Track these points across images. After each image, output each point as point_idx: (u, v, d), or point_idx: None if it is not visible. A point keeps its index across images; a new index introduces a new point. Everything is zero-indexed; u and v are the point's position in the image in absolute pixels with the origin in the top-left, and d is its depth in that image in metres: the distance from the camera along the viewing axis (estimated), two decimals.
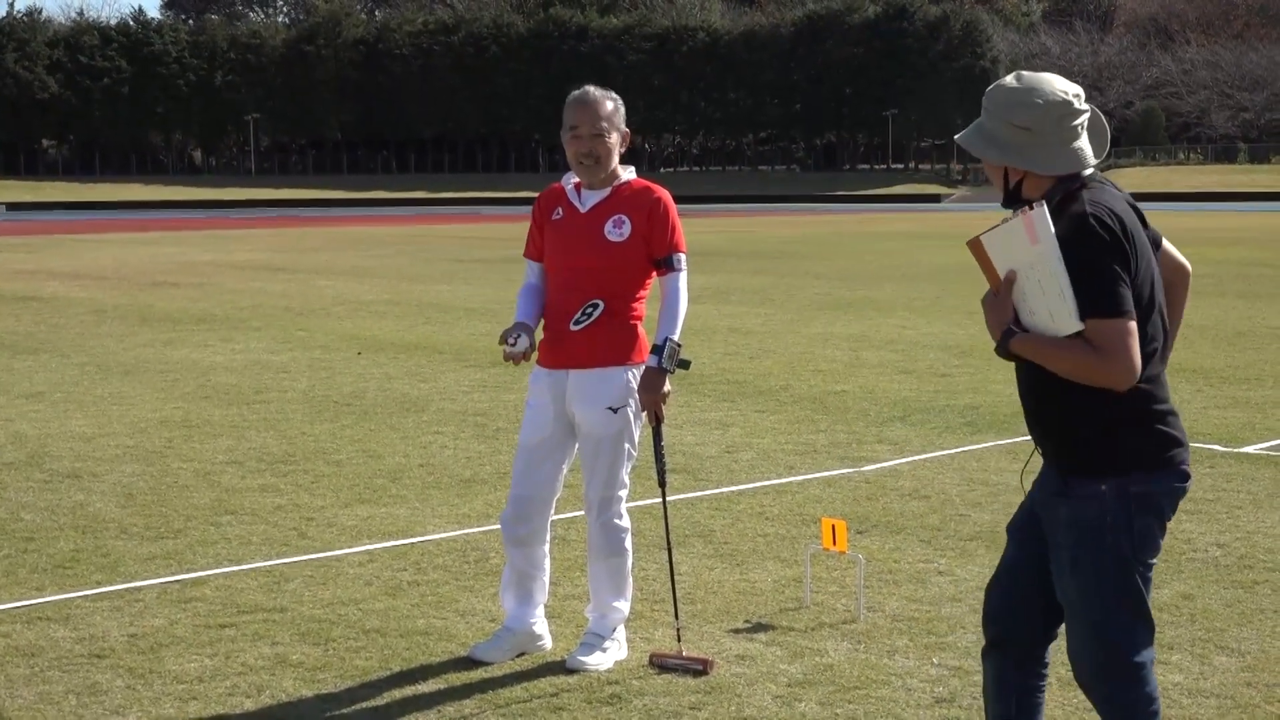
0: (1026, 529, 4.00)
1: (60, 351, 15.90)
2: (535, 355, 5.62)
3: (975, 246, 3.75)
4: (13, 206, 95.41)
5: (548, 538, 5.72)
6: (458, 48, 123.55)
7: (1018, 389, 3.98)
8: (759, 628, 5.99)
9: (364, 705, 5.22)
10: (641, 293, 5.58)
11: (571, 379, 5.53)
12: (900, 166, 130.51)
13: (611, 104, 5.53)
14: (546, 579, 5.77)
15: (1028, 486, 4.04)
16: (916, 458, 9.52)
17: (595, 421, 5.52)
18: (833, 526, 6.18)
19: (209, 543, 7.49)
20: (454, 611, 6.26)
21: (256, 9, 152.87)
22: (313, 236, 49.56)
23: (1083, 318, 3.59)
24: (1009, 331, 3.71)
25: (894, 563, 6.95)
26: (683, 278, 5.57)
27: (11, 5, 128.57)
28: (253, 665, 5.61)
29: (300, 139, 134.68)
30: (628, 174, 5.64)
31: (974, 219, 64.64)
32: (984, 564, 6.85)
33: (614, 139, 5.51)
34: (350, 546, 7.40)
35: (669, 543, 5.86)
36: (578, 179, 5.62)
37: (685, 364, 5.47)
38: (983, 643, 4.15)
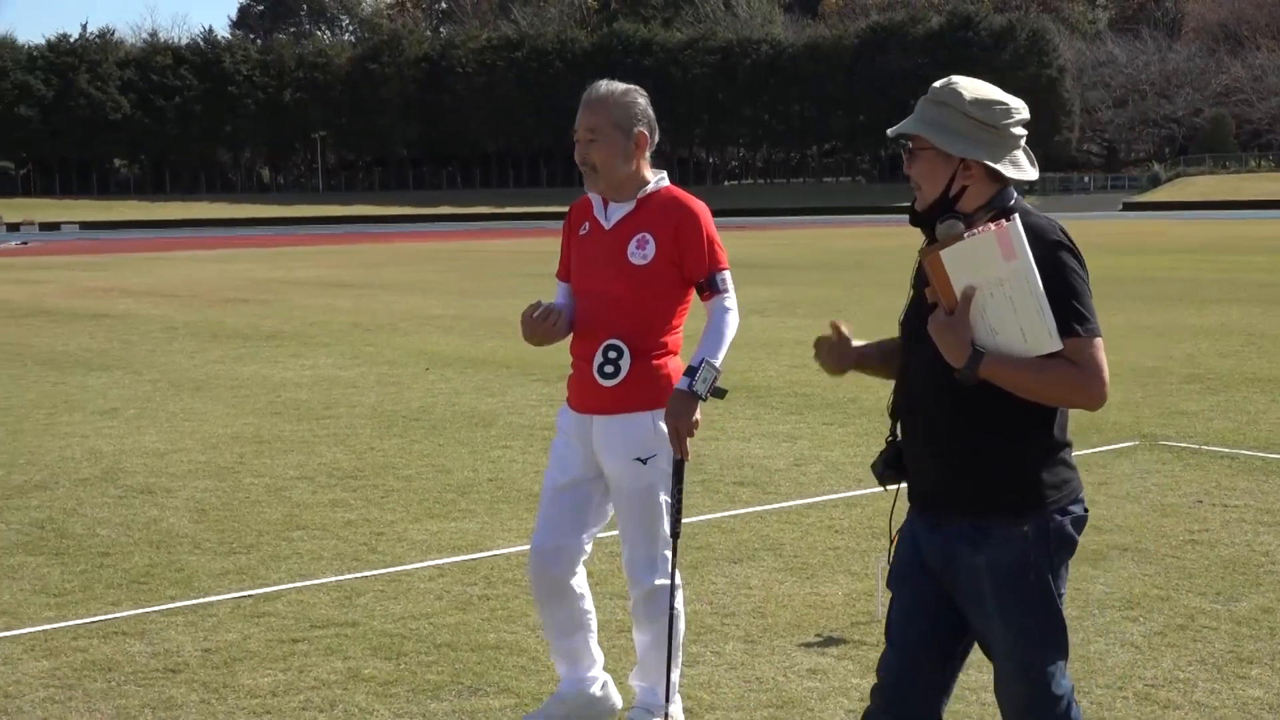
0: (913, 582, 3.69)
1: (133, 368, 16.09)
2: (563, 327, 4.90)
3: (933, 261, 3.41)
4: (85, 225, 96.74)
5: (583, 589, 5.06)
6: (521, 63, 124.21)
7: (905, 432, 3.67)
8: (830, 641, 5.96)
9: (437, 719, 5.23)
10: (674, 322, 4.88)
11: (596, 426, 4.88)
12: None
13: (618, 102, 4.83)
14: (593, 632, 5.12)
15: (894, 532, 3.82)
16: None
17: (623, 474, 4.86)
18: None
19: (281, 558, 7.54)
20: (524, 626, 6.26)
21: (323, 27, 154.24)
22: (379, 252, 49.92)
23: (1062, 336, 3.38)
24: (977, 353, 3.40)
25: None
26: (731, 299, 4.85)
27: (84, 27, 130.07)
28: (325, 680, 5.63)
29: (366, 156, 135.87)
30: (657, 181, 4.90)
31: None
32: None
33: (617, 143, 4.79)
34: (420, 561, 7.42)
35: (671, 603, 4.90)
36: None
37: (720, 393, 4.73)
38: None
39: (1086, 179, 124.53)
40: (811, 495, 8.73)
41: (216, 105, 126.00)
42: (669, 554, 4.90)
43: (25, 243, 72.02)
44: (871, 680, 5.45)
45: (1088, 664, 5.61)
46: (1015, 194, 3.58)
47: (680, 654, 5.08)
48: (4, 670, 5.82)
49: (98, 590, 6.98)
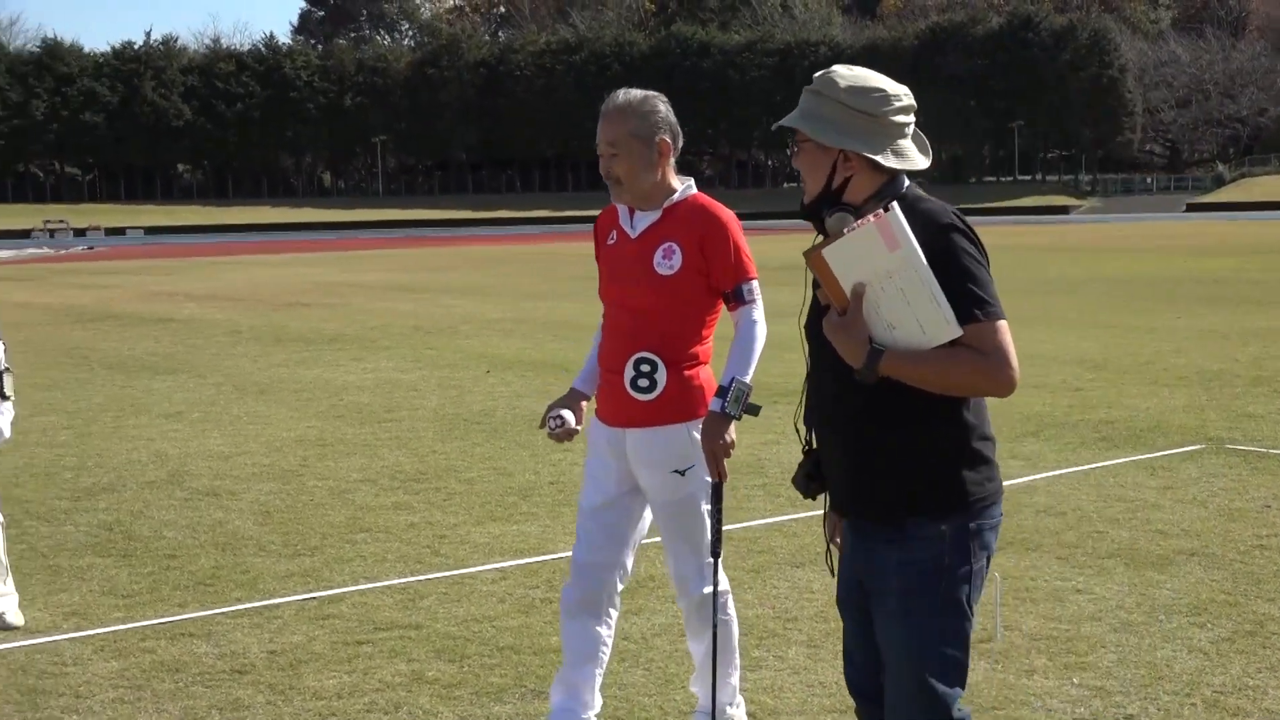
0: (856, 601, 3.55)
1: (197, 372, 16.25)
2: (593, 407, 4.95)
3: (815, 260, 3.25)
4: (150, 230, 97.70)
5: (610, 618, 4.95)
6: (579, 66, 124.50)
7: (818, 440, 3.54)
8: None
9: None
10: (704, 332, 4.78)
11: (629, 439, 4.78)
12: (1027, 178, 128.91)
13: (637, 111, 4.73)
14: (600, 669, 4.97)
15: (830, 543, 3.69)
16: (1051, 473, 9.37)
17: (662, 487, 4.78)
18: None
19: (345, 560, 7.59)
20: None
21: (383, 32, 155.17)
22: (439, 256, 50.15)
23: (962, 323, 3.22)
24: (875, 351, 3.23)
25: (1030, 580, 6.85)
26: (757, 310, 4.74)
27: (148, 34, 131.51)
28: (390, 682, 5.67)
29: (426, 160, 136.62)
30: (683, 188, 4.81)
31: (1104, 230, 63.68)
32: (1123, 582, 6.73)
33: (640, 154, 4.71)
34: (483, 564, 7.45)
35: (715, 626, 4.75)
36: None
37: (754, 409, 4.60)
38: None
39: (1149, 180, 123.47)
40: None
41: (278, 111, 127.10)
42: (717, 566, 4.79)
43: (91, 248, 72.84)
44: None
45: (1154, 670, 5.56)
46: (907, 181, 3.45)
47: (737, 658, 5.03)
48: (74, 670, 5.90)
49: (165, 592, 7.06)
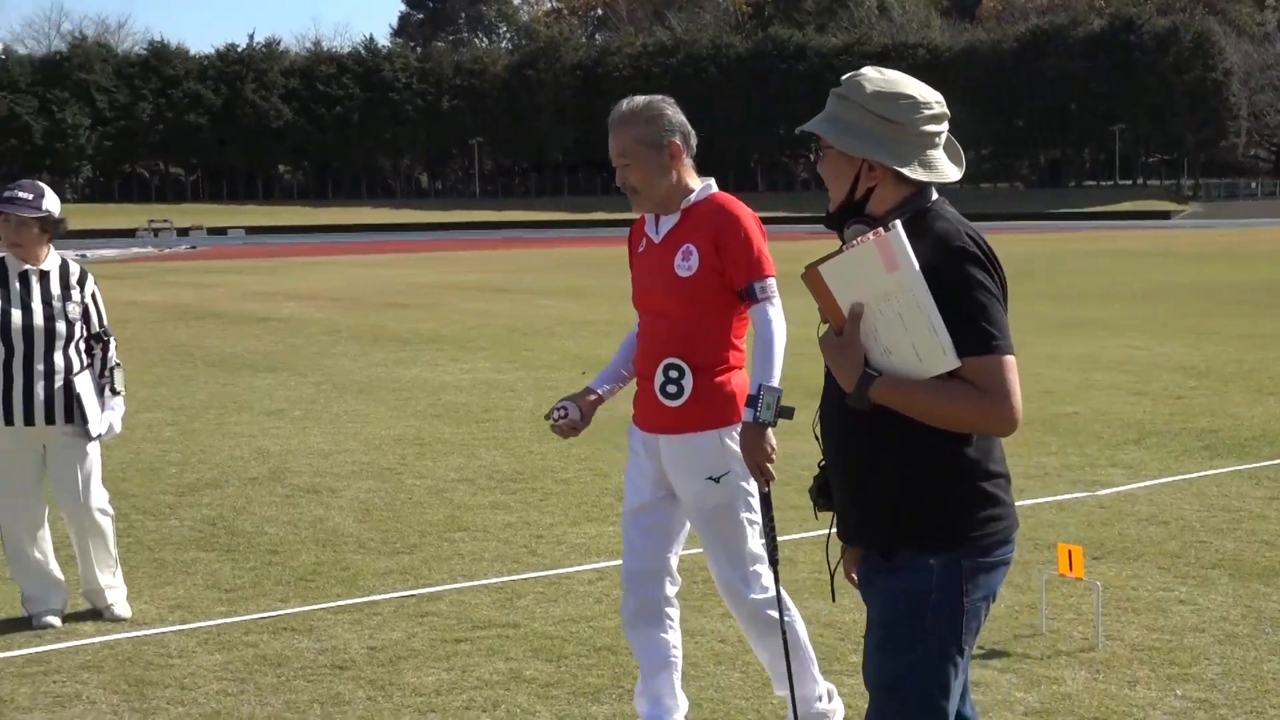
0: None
1: (298, 370, 16.46)
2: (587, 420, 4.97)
3: (813, 278, 3.11)
4: (251, 230, 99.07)
5: (671, 621, 4.95)
6: (676, 69, 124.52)
7: (824, 453, 3.38)
8: (993, 654, 5.88)
9: None
10: (733, 335, 4.72)
11: (662, 445, 4.77)
12: (1128, 182, 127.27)
13: (643, 118, 4.71)
14: (678, 672, 4.99)
15: (833, 562, 3.54)
16: (1153, 482, 9.25)
17: (697, 494, 4.74)
18: (1069, 552, 6.04)
19: (443, 558, 7.66)
20: (683, 631, 6.27)
21: (481, 35, 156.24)
22: (535, 257, 50.41)
23: (960, 355, 3.05)
24: (867, 376, 3.09)
25: (1132, 590, 6.76)
26: (773, 308, 4.64)
27: (251, 37, 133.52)
28: (488, 680, 5.71)
29: (522, 162, 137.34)
30: (702, 189, 4.77)
31: (1207, 236, 62.67)
32: (1227, 593, 6.62)
33: (651, 161, 4.69)
34: (579, 564, 7.49)
35: (784, 633, 4.56)
36: None
37: (788, 412, 4.46)
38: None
39: (1254, 185, 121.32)
40: None
41: (377, 112, 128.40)
42: (760, 569, 4.76)
43: (194, 247, 74.03)
44: (1036, 694, 5.40)
45: (1260, 683, 5.47)
46: (935, 194, 3.27)
47: (811, 663, 4.93)
48: (179, 662, 6.00)
49: (267, 587, 7.16)
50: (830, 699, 5.04)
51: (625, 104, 4.76)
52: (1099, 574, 6.79)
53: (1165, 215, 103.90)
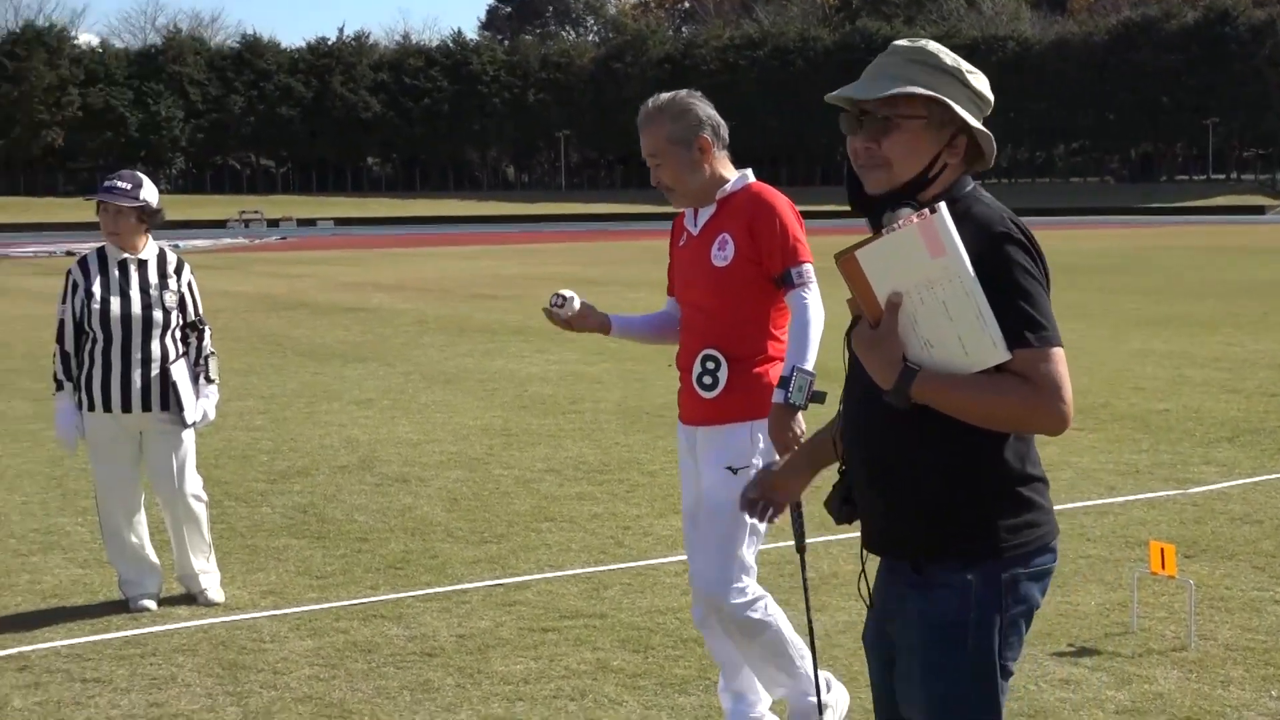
0: (880, 644, 3.19)
1: (386, 360, 16.62)
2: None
3: (848, 264, 2.87)
4: (340, 221, 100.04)
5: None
6: (763, 62, 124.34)
7: (847, 460, 3.16)
8: (1083, 652, 5.83)
9: (685, 713, 5.28)
10: (771, 326, 4.70)
11: (699, 437, 4.77)
12: (1221, 177, 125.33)
13: (669, 116, 4.67)
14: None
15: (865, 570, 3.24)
16: (1247, 480, 9.11)
17: (711, 483, 4.68)
18: (1161, 550, 5.97)
19: (530, 548, 7.71)
20: None
21: (568, 28, 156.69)
22: (621, 250, 50.49)
23: (1011, 347, 2.82)
24: (908, 371, 2.84)
25: (1225, 589, 6.67)
26: (810, 293, 4.60)
27: (341, 30, 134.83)
28: (575, 669, 5.74)
29: (608, 154, 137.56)
30: (737, 179, 4.75)
31: None
32: None
33: (681, 158, 4.66)
34: (666, 556, 7.50)
35: (811, 629, 4.18)
36: None
37: (820, 397, 4.42)
38: None
39: None
40: (1061, 502, 8.54)
41: (465, 105, 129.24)
42: (745, 582, 4.66)
43: (284, 238, 74.88)
44: (1128, 693, 5.34)
45: None
46: (972, 181, 3.08)
47: (796, 649, 4.78)
48: (272, 647, 6.09)
49: (357, 574, 7.24)
50: (829, 688, 4.99)
51: (651, 102, 4.74)
52: (1191, 573, 6.71)
53: (1259, 210, 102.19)
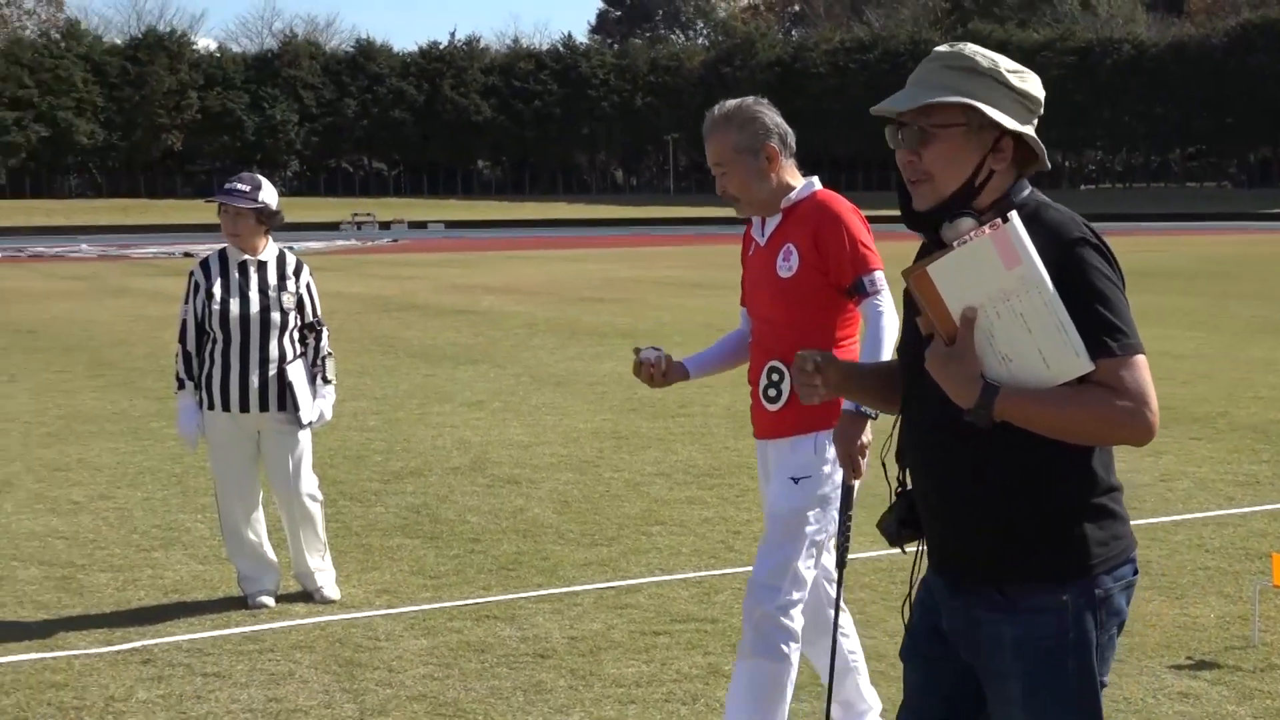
0: (928, 653, 3.14)
1: (497, 362, 16.74)
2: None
3: (920, 280, 2.79)
4: (451, 224, 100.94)
5: (842, 628, 4.84)
6: (873, 65, 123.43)
7: (914, 481, 3.07)
8: (1202, 665, 5.74)
9: (795, 719, 5.27)
10: (838, 335, 4.62)
11: (769, 450, 4.77)
12: None
13: (735, 125, 4.62)
14: (862, 675, 4.96)
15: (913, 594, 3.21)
16: None
17: (775, 494, 4.64)
18: None
19: (641, 551, 7.73)
20: (882, 631, 6.24)
21: (677, 31, 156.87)
22: (729, 254, 50.35)
23: (1093, 357, 2.73)
24: (990, 388, 2.76)
25: None
26: (884, 300, 4.52)
27: (452, 35, 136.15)
28: (687, 673, 5.75)
29: None
30: (803, 187, 4.69)
31: None
32: None
33: (748, 167, 4.61)
34: None
35: (835, 643, 4.34)
36: None
37: None
38: None
39: None
40: (1179, 513, 8.41)
41: (574, 108, 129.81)
42: (796, 596, 4.56)
43: (396, 240, 75.69)
44: (1249, 708, 5.24)
45: None
46: (1030, 185, 2.99)
47: (778, 706, 4.64)
48: (387, 645, 6.17)
49: (470, 574, 7.31)
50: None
51: (717, 110, 4.68)
52: (1261, 571, 6.56)
53: None
